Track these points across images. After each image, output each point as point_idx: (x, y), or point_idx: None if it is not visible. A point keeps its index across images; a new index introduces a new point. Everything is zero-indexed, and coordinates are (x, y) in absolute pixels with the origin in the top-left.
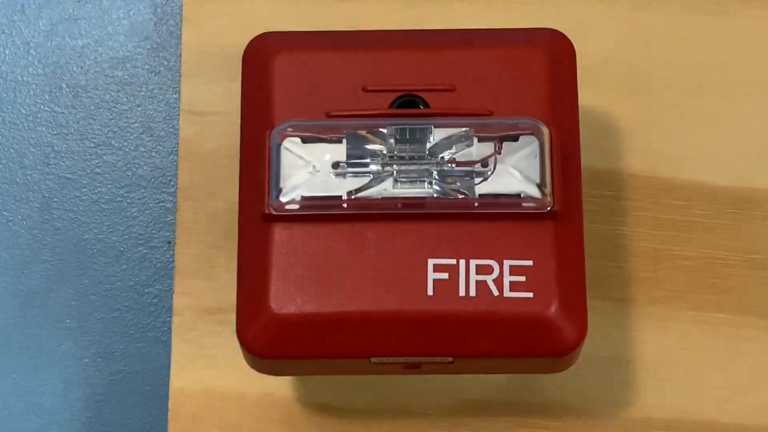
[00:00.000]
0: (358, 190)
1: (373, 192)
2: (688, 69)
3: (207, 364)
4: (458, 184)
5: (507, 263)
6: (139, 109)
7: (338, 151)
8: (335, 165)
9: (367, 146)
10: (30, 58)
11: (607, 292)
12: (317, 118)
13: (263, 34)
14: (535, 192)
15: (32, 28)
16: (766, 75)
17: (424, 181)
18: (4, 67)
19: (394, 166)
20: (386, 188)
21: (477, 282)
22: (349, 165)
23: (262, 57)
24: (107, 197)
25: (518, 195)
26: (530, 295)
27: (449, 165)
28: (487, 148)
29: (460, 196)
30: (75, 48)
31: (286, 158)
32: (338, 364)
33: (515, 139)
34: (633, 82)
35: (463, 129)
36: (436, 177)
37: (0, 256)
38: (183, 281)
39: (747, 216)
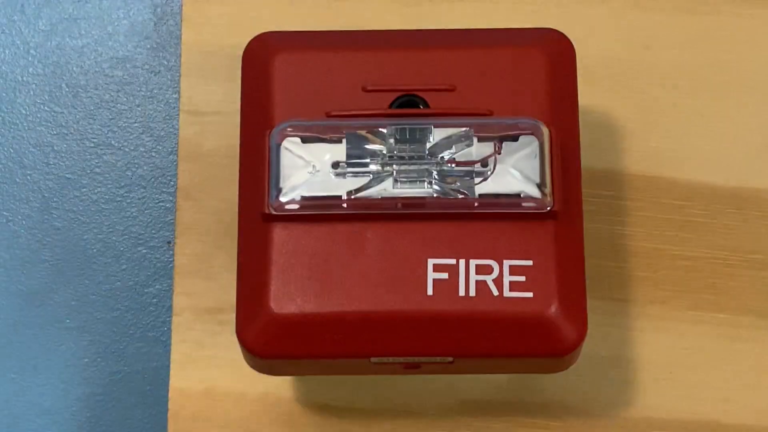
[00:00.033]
0: (358, 190)
1: (373, 192)
2: (688, 69)
3: (207, 364)
4: (458, 184)
5: (507, 263)
6: (138, 108)
7: (338, 151)
8: (335, 165)
9: (367, 146)
10: (30, 58)
11: (607, 292)
12: (317, 118)
13: (263, 34)
14: (535, 192)
15: (32, 28)
16: (766, 75)
17: (424, 181)
18: (4, 67)
19: (394, 166)
20: (386, 188)
21: (477, 282)
22: (349, 165)
23: (262, 57)
24: (107, 197)
25: (518, 195)
26: (530, 295)
27: (449, 165)
28: (487, 148)
29: (460, 196)
30: (75, 48)
31: (285, 158)
32: (338, 364)
33: (515, 139)
34: (633, 82)
35: (463, 129)
36: (436, 177)
37: (0, 256)
38: (183, 281)
39: (747, 216)
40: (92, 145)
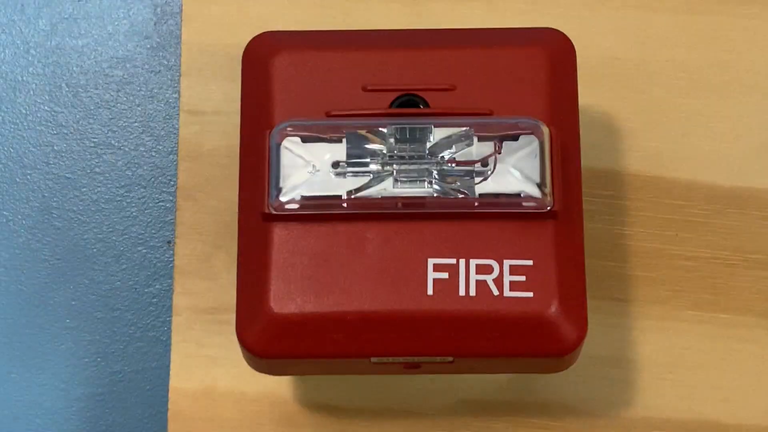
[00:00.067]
0: (358, 190)
1: (373, 192)
2: (688, 69)
3: (207, 364)
4: (458, 183)
5: (507, 263)
6: (138, 108)
7: (338, 151)
8: (335, 164)
9: (367, 146)
10: (30, 58)
11: (607, 292)
12: (317, 117)
13: (263, 34)
14: (535, 192)
15: (32, 28)
16: (766, 75)
17: (424, 180)
18: (4, 67)
19: (394, 165)
20: (386, 188)
21: (477, 282)
22: (349, 165)
23: (262, 57)
24: (107, 197)
25: (518, 195)
26: (530, 294)
27: (449, 164)
28: (487, 147)
29: (460, 196)
30: (75, 48)
31: (285, 158)
32: (338, 363)
33: (515, 138)
34: (633, 82)
35: (463, 128)
36: (436, 176)
37: (0, 256)
38: (183, 281)
39: (747, 216)
40: (92, 144)
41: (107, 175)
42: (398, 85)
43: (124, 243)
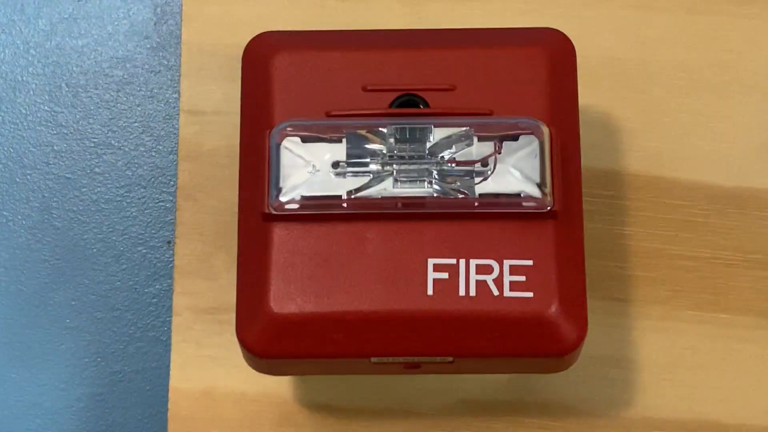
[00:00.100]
0: (358, 190)
1: (373, 192)
2: (688, 69)
3: (207, 364)
4: (458, 183)
5: (507, 263)
6: (138, 108)
7: (338, 151)
8: (335, 164)
9: (367, 146)
10: (30, 58)
11: (607, 292)
12: (317, 117)
13: (263, 34)
14: (535, 192)
15: (32, 28)
16: (766, 75)
17: (424, 180)
18: (4, 67)
19: (394, 165)
20: (386, 188)
21: (477, 282)
22: (349, 165)
23: (262, 57)
24: (107, 197)
25: (518, 195)
26: (530, 294)
27: (449, 164)
28: (487, 147)
29: (460, 196)
30: (75, 48)
31: (285, 158)
32: (338, 363)
33: (515, 138)
34: (633, 82)
35: (463, 128)
36: (436, 176)
37: (0, 256)
38: (183, 281)
39: (747, 216)
40: (92, 144)
41: (107, 175)
42: (398, 85)
43: (124, 243)
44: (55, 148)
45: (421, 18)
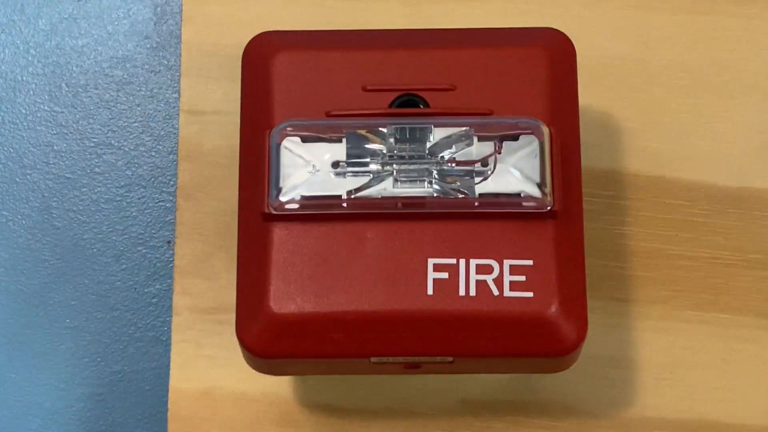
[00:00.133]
0: (357, 190)
1: (373, 191)
2: (688, 69)
3: (207, 363)
4: (458, 183)
5: (507, 263)
6: (138, 108)
7: (338, 151)
8: (335, 164)
9: (366, 146)
10: (30, 58)
11: (607, 292)
12: (317, 117)
13: (263, 33)
14: (535, 191)
15: (32, 28)
16: (766, 75)
17: (424, 180)
18: (4, 67)
19: (394, 165)
20: (386, 188)
21: (477, 282)
22: (349, 164)
23: (262, 57)
24: (107, 197)
25: (518, 194)
26: (530, 294)
27: (449, 164)
28: (487, 147)
29: (460, 196)
30: (75, 48)
31: (285, 158)
32: (338, 363)
33: (515, 138)
34: (633, 82)
35: (463, 128)
36: (436, 176)
37: (0, 256)
38: (183, 281)
39: (747, 216)
40: (92, 144)
41: (107, 175)
42: (398, 85)
43: (124, 243)
44: (55, 148)
45: (421, 18)
